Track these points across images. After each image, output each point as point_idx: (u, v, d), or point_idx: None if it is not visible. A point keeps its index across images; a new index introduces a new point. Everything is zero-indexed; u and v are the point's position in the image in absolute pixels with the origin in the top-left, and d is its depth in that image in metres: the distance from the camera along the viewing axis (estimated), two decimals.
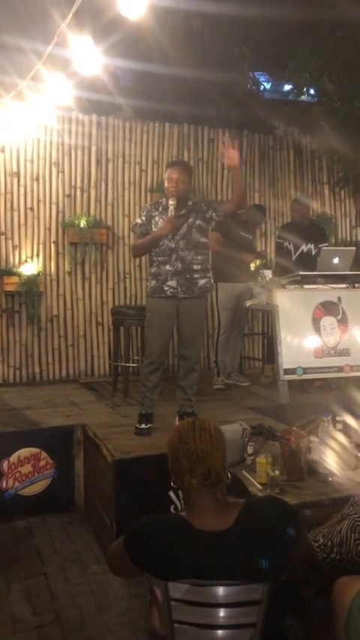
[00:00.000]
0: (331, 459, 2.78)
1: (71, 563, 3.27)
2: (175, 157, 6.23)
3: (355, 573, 1.83)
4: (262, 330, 6.35)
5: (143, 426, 3.91)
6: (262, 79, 8.61)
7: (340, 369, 4.88)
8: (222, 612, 1.73)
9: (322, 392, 5.05)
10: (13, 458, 3.82)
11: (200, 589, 1.68)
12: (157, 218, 3.92)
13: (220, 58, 6.72)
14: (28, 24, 4.43)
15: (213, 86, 6.72)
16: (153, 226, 3.92)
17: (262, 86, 8.25)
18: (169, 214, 3.78)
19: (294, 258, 5.44)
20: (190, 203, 3.92)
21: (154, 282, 3.95)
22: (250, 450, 2.98)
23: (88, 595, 2.95)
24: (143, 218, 3.99)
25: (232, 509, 1.69)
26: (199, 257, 3.96)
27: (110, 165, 6.06)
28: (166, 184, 3.88)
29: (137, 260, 6.03)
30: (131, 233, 5.86)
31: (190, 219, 3.90)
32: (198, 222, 3.92)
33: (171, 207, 3.78)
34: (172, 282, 3.89)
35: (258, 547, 1.63)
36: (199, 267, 3.95)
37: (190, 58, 6.33)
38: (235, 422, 3.13)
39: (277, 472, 2.62)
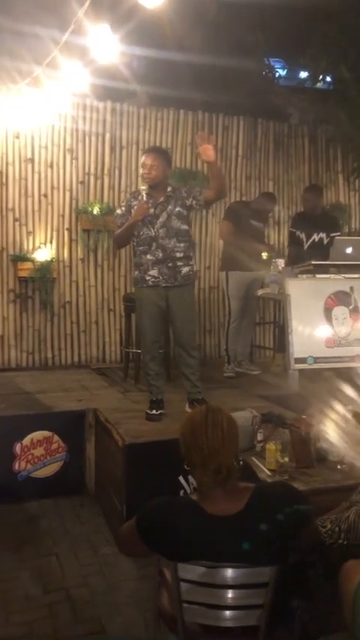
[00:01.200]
0: (340, 447, 2.81)
1: (82, 544, 3.33)
2: (189, 144, 6.22)
3: None
4: (274, 319, 6.36)
5: (154, 411, 3.96)
6: (277, 65, 8.54)
7: (352, 359, 4.89)
8: (230, 593, 1.77)
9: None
10: (26, 441, 3.89)
11: (210, 571, 1.72)
12: (135, 207, 3.88)
13: (236, 44, 6.67)
14: (45, 11, 4.43)
15: (228, 73, 6.68)
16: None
17: (277, 73, 8.18)
18: (140, 199, 3.81)
19: (306, 247, 5.44)
20: (169, 189, 3.89)
21: (136, 272, 3.97)
22: (259, 436, 3.01)
23: (98, 575, 3.01)
24: (123, 209, 3.98)
25: (242, 493, 1.73)
26: (181, 244, 3.91)
27: (124, 152, 6.07)
28: (140, 171, 3.91)
29: None
30: None
31: (170, 207, 3.86)
32: (178, 209, 3.88)
33: (143, 193, 3.81)
34: (154, 272, 3.87)
35: (267, 531, 1.66)
36: (181, 254, 3.91)
37: (205, 45, 6.29)
38: (246, 409, 3.16)
39: (286, 459, 2.65)
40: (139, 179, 5.96)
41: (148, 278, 3.89)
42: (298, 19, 6.33)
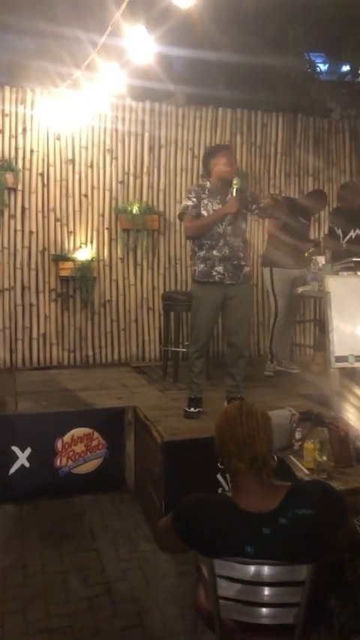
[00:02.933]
0: None
1: (121, 540, 3.37)
2: (228, 142, 6.20)
3: None
4: (314, 317, 6.29)
5: (192, 409, 3.97)
6: (318, 60, 8.42)
7: None
8: (267, 591, 1.77)
9: None
10: (67, 437, 3.96)
11: (245, 567, 1.72)
12: (205, 201, 3.95)
13: (275, 40, 6.61)
14: (83, 14, 4.49)
15: (267, 70, 6.63)
16: (202, 209, 3.95)
17: (317, 68, 8.06)
18: (234, 193, 3.85)
19: (344, 243, 5.37)
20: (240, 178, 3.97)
21: (202, 265, 3.97)
22: (298, 435, 2.99)
23: (137, 571, 3.05)
24: (194, 200, 3.99)
25: (278, 491, 1.73)
26: (243, 244, 4.03)
27: (163, 151, 6.10)
28: (222, 169, 3.92)
29: (188, 246, 6.06)
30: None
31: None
32: (243, 210, 3.97)
33: (235, 187, 3.84)
34: (220, 268, 3.93)
35: (302, 528, 1.66)
36: (243, 254, 4.01)
37: (243, 43, 6.26)
38: (284, 407, 3.14)
39: (324, 458, 2.63)
40: (186, 177, 6.05)
41: (214, 273, 3.93)
42: (337, 13, 6.24)
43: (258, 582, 1.74)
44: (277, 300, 5.34)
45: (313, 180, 6.61)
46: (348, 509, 1.77)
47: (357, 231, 5.35)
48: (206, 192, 3.98)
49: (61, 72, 4.89)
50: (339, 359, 4.71)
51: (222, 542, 1.69)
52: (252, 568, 1.71)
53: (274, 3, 6.36)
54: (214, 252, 3.92)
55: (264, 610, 1.78)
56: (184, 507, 1.78)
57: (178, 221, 6.06)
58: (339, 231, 5.43)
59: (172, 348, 5.17)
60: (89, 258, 5.77)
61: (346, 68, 6.94)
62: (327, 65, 9.63)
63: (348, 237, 5.39)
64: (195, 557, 1.86)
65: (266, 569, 1.70)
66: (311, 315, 6.39)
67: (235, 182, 3.85)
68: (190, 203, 4.01)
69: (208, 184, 4.02)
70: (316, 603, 1.77)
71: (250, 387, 4.53)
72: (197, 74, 6.89)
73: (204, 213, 3.95)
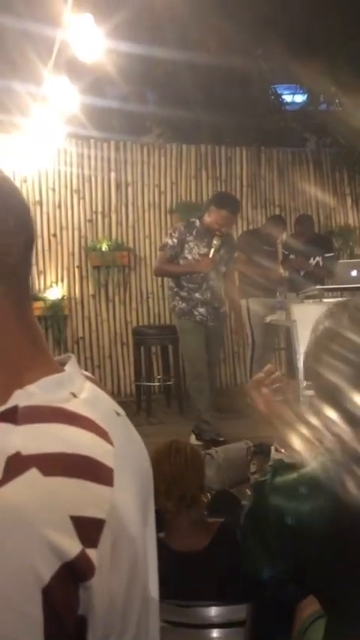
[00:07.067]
0: None
1: None
2: (194, 177, 6.31)
3: None
4: (285, 345, 6.32)
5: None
6: (284, 90, 8.59)
7: None
8: (209, 633, 1.75)
9: None
10: None
11: (184, 610, 1.70)
12: (191, 244, 3.97)
13: (240, 75, 6.75)
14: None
15: (233, 101, 6.75)
16: (186, 251, 3.97)
17: (282, 99, 8.23)
18: (211, 254, 3.93)
19: (302, 272, 5.48)
20: (223, 237, 4.05)
21: (184, 304, 4.03)
22: (252, 468, 2.98)
23: None
24: (175, 240, 3.98)
25: (209, 529, 1.72)
26: (221, 286, 4.17)
27: (130, 188, 6.20)
28: (213, 221, 3.92)
29: (160, 280, 6.12)
30: (152, 253, 6.03)
31: (222, 251, 4.05)
32: (226, 255, 4.13)
33: (214, 248, 3.92)
34: (202, 310, 4.01)
35: (233, 567, 1.65)
36: (222, 295, 4.16)
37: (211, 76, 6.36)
38: (241, 440, 3.15)
39: None
40: (154, 213, 6.12)
41: (196, 314, 4.01)
42: (296, 45, 6.41)
43: (200, 625, 1.73)
44: (253, 333, 5.38)
45: (280, 210, 6.72)
46: None
47: (317, 258, 5.45)
48: (194, 234, 3.98)
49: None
50: (308, 386, 4.74)
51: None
52: (191, 610, 1.69)
53: (238, 37, 6.53)
54: (197, 295, 3.97)
55: None
56: None
57: (148, 256, 6.14)
58: (296, 258, 5.56)
59: (145, 383, 5.18)
60: (60, 297, 5.81)
61: (302, 98, 7.13)
62: (293, 94, 9.89)
63: (308, 264, 5.50)
64: None
65: (204, 611, 1.69)
66: (282, 343, 6.42)
67: (215, 242, 3.92)
68: (169, 242, 4.02)
69: (197, 223, 4.01)
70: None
71: (225, 417, 4.51)
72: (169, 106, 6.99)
73: (188, 255, 3.97)
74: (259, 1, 5.44)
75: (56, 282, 5.91)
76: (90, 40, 2.59)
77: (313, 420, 1.11)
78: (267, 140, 6.84)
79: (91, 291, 6.02)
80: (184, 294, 4.02)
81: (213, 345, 4.15)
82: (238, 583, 1.66)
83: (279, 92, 7.88)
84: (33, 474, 0.47)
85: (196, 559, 1.67)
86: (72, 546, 0.47)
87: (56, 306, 5.78)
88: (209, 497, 1.79)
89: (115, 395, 5.98)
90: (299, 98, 8.81)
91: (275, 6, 5.51)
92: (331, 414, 1.07)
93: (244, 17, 5.40)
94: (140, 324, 6.02)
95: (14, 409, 0.51)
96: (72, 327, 5.94)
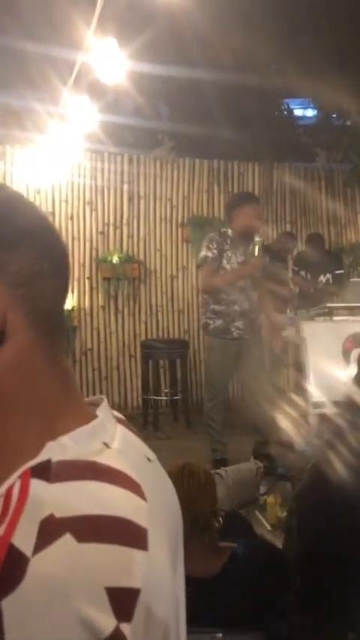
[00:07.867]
0: None
1: None
2: (206, 191, 6.33)
3: None
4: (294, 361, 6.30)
5: None
6: (296, 105, 8.63)
7: None
8: None
9: None
10: None
11: (191, 637, 1.69)
12: (229, 253, 3.78)
13: (254, 91, 6.78)
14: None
15: (247, 117, 6.78)
16: (225, 261, 3.77)
17: (294, 114, 8.26)
18: (256, 252, 3.72)
19: (312, 289, 5.48)
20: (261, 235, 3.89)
21: (219, 321, 3.80)
22: (262, 489, 2.97)
23: None
24: (215, 251, 3.78)
25: (221, 555, 1.70)
26: (256, 295, 3.93)
27: (142, 202, 6.22)
28: (245, 221, 3.74)
29: (169, 293, 6.14)
30: (162, 266, 6.04)
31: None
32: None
33: (257, 245, 3.71)
34: (239, 323, 3.79)
35: (243, 595, 1.63)
36: (257, 306, 3.91)
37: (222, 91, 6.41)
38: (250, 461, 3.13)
39: (285, 513, 2.59)
40: (165, 226, 6.13)
41: (233, 329, 3.78)
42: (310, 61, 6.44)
43: None
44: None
45: (291, 227, 6.73)
46: (293, 574, 1.74)
47: (327, 275, 5.45)
48: (228, 242, 3.78)
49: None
50: (317, 405, 4.72)
51: None
52: (197, 637, 1.68)
53: (252, 53, 6.57)
54: (235, 307, 3.76)
55: None
56: None
57: (158, 269, 6.15)
58: (306, 275, 5.54)
59: (153, 397, 5.17)
60: (70, 308, 5.82)
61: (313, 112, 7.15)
62: (303, 110, 9.93)
63: (318, 281, 5.49)
64: None
65: (210, 638, 1.67)
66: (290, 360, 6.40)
67: (257, 239, 3.71)
68: (210, 255, 3.78)
69: (229, 232, 3.82)
70: None
71: (233, 434, 4.47)
72: (183, 118, 7.03)
73: (226, 266, 3.76)
74: (273, 18, 5.48)
75: None
76: (113, 62, 2.60)
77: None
78: (279, 155, 6.85)
79: (100, 303, 6.03)
80: (221, 308, 3.79)
81: (247, 359, 3.83)
82: (248, 608, 1.65)
83: (291, 107, 7.94)
84: (67, 540, 0.45)
85: (207, 584, 1.65)
86: (107, 623, 0.45)
87: (65, 317, 5.78)
88: (221, 521, 1.77)
89: (122, 408, 5.97)
90: (310, 112, 8.88)
91: (290, 22, 5.56)
92: None
93: (259, 34, 5.44)
94: (149, 337, 6.03)
95: (47, 464, 0.50)
96: (81, 338, 5.94)
